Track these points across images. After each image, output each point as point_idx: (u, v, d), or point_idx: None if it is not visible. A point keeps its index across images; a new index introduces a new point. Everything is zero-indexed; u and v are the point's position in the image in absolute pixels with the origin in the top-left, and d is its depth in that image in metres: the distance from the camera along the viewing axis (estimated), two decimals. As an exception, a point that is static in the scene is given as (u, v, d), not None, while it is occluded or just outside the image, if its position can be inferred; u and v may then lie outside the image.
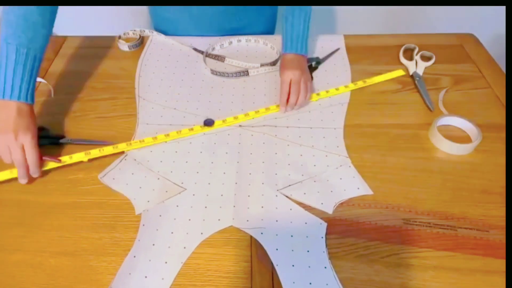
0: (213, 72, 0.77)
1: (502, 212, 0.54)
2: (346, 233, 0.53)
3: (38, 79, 0.77)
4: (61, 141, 0.65)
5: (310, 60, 0.79)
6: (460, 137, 0.64)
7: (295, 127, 0.67)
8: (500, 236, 0.52)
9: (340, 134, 0.66)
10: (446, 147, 0.62)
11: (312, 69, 0.78)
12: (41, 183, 0.60)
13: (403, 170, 0.60)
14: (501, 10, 1.34)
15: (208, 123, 0.67)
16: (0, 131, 0.55)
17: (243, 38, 0.85)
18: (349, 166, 0.61)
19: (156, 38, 0.87)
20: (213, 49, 0.83)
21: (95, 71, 0.80)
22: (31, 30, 0.58)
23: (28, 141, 0.56)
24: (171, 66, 0.80)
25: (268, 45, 0.84)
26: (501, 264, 0.49)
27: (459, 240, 0.52)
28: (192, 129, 0.66)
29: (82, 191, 0.58)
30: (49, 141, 0.65)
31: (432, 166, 0.61)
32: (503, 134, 0.64)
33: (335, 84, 0.75)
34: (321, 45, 0.84)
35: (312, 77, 0.76)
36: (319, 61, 0.79)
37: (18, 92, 0.57)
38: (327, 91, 0.73)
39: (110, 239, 0.53)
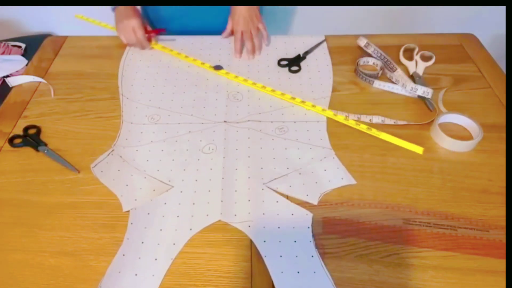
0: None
1: (502, 212, 0.54)
2: (346, 233, 0.53)
3: (38, 79, 0.77)
4: (39, 148, 0.63)
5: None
6: (462, 135, 0.64)
7: (279, 121, 0.68)
8: (500, 236, 0.52)
9: (323, 127, 0.67)
10: (448, 144, 0.62)
11: (300, 59, 0.80)
12: (41, 183, 0.60)
13: (403, 170, 0.60)
14: (501, 10, 1.34)
15: (218, 68, 0.77)
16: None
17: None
18: (333, 158, 0.62)
19: None
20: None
21: (95, 71, 0.80)
22: None
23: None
24: (154, 65, 0.80)
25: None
26: (501, 264, 0.49)
27: (459, 240, 0.52)
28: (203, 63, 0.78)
29: (82, 191, 0.58)
30: (27, 143, 0.64)
31: (432, 166, 0.61)
32: (503, 134, 0.64)
33: (319, 87, 0.75)
34: (302, 41, 0.85)
35: (266, 27, 0.81)
36: (306, 52, 0.82)
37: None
38: (303, 101, 0.70)
39: (110, 239, 0.53)
